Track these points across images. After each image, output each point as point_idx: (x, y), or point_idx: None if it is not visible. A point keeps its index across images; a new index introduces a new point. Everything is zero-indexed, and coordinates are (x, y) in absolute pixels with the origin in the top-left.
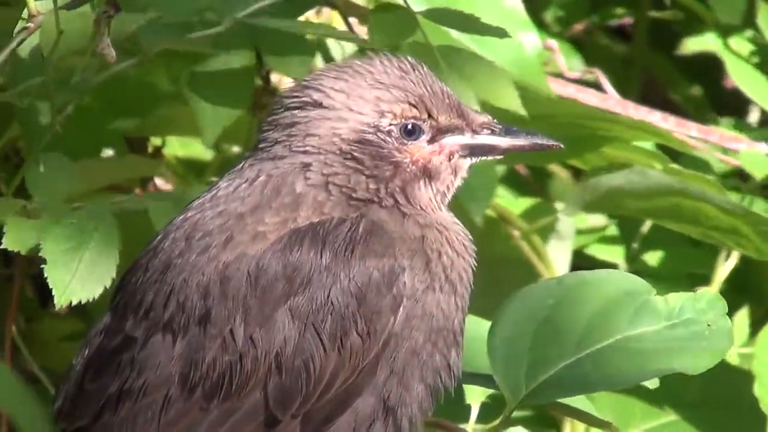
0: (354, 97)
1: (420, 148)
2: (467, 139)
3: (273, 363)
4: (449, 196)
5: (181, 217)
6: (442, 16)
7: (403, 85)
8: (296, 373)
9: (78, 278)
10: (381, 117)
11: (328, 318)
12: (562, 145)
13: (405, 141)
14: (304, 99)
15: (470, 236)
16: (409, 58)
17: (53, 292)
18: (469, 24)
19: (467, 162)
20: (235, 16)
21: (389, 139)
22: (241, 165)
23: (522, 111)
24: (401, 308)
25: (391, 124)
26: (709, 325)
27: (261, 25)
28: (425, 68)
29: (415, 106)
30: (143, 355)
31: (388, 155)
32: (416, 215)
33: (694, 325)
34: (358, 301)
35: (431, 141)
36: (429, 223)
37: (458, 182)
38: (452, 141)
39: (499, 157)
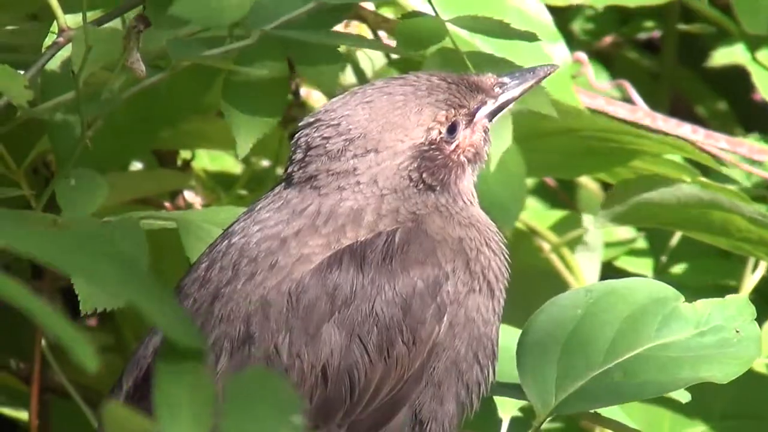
0: (398, 131)
1: (464, 138)
2: (491, 106)
3: (320, 375)
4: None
5: (225, 243)
6: (471, 23)
7: (428, 101)
8: (341, 384)
9: None
10: (428, 133)
11: (374, 329)
12: (558, 65)
13: (452, 140)
14: (356, 151)
15: (504, 238)
16: (401, 77)
17: (79, 298)
18: (498, 29)
19: (492, 123)
20: (264, 29)
21: (444, 146)
22: (282, 187)
23: (554, 113)
24: (446, 315)
25: (440, 132)
26: (737, 332)
27: (289, 37)
28: (424, 73)
29: (450, 107)
30: None
31: (446, 160)
32: (459, 213)
33: (722, 331)
34: (403, 311)
35: (467, 126)
36: (470, 222)
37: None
38: (481, 115)
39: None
